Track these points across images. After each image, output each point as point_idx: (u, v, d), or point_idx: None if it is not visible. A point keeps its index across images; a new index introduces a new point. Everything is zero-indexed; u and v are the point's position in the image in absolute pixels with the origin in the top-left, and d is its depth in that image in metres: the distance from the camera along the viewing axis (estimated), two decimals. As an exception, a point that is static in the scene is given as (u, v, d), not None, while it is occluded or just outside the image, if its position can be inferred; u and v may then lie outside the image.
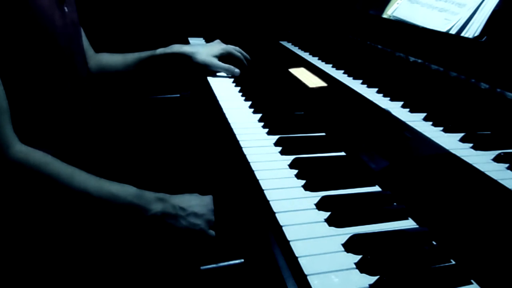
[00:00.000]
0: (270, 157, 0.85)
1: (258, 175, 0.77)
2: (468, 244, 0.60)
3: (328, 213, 0.66)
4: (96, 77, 1.27)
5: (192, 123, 1.63)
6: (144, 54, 1.30)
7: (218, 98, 1.16)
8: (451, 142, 0.86)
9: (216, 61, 1.33)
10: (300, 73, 1.36)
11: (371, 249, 0.58)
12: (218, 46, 1.37)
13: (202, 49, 1.33)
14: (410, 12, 1.30)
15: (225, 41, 1.43)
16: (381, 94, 1.13)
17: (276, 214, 0.66)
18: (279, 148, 0.88)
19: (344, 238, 0.61)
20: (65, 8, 0.99)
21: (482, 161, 0.78)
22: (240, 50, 1.42)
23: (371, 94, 1.14)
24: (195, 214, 0.93)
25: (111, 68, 1.29)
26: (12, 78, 0.84)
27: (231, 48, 1.40)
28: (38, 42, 0.88)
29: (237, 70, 1.35)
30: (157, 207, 0.90)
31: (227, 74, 1.35)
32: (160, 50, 1.29)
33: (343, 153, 0.88)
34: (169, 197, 0.93)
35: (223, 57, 1.37)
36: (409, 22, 1.28)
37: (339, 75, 1.32)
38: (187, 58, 1.30)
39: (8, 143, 0.81)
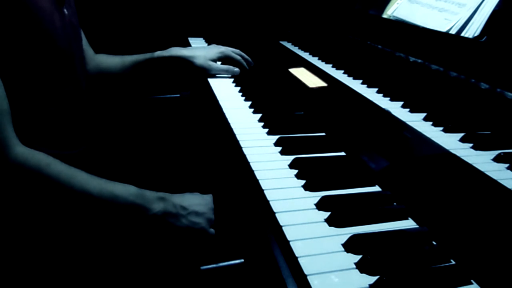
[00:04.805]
0: (270, 157, 0.85)
1: (258, 175, 0.77)
2: (468, 244, 0.60)
3: (328, 213, 0.66)
4: (94, 78, 1.27)
5: (192, 123, 1.63)
6: (142, 57, 1.29)
7: (218, 98, 1.15)
8: (451, 142, 0.86)
9: (214, 65, 1.32)
10: (300, 73, 1.36)
11: (371, 249, 0.58)
12: (215, 50, 1.35)
13: (200, 52, 1.32)
14: (410, 12, 1.30)
15: (225, 41, 1.43)
16: (381, 94, 1.13)
17: (276, 214, 0.66)
18: (279, 148, 0.88)
19: (344, 238, 0.61)
20: (65, 10, 0.99)
21: (482, 161, 0.78)
22: (241, 52, 1.41)
23: (371, 94, 1.14)
24: (196, 213, 0.93)
25: (109, 70, 1.29)
26: (12, 79, 0.84)
27: (230, 51, 1.38)
28: (37, 43, 0.88)
29: (236, 69, 1.34)
30: (158, 206, 0.90)
31: (227, 75, 1.35)
32: (158, 53, 1.28)
33: (343, 153, 0.88)
34: (169, 196, 0.93)
35: (223, 58, 1.36)
36: (409, 22, 1.28)
37: (339, 75, 1.32)
38: (186, 62, 1.29)
39: (8, 144, 0.81)
